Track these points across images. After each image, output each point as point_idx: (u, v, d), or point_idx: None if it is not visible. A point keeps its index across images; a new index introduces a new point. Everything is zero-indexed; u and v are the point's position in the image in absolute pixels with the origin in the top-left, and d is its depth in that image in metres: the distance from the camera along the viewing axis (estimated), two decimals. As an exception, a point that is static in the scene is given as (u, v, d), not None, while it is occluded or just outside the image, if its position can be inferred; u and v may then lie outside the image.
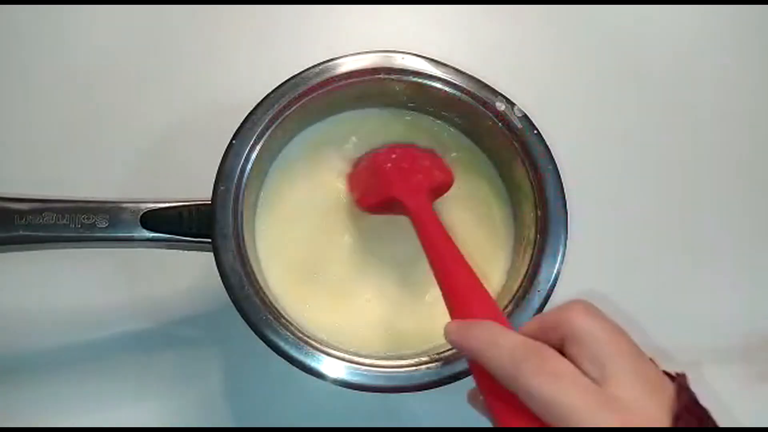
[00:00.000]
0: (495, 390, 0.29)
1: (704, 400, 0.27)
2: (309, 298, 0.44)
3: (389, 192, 0.42)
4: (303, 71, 0.43)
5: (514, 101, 0.43)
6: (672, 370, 0.31)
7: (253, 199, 0.45)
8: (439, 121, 0.48)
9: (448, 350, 0.40)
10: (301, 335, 0.40)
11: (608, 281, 0.52)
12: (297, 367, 0.39)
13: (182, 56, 0.55)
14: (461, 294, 0.35)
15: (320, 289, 0.45)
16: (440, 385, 0.40)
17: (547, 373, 0.27)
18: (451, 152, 0.48)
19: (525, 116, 0.43)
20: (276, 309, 0.40)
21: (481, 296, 0.34)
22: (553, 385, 0.27)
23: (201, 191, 0.42)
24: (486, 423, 0.32)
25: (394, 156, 0.44)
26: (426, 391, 0.39)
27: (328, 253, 0.46)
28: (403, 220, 0.43)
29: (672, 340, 0.51)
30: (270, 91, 0.43)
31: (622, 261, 0.53)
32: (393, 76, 0.44)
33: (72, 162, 0.53)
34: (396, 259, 0.46)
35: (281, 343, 0.39)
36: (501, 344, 0.29)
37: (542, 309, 0.41)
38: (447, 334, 0.33)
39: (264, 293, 0.40)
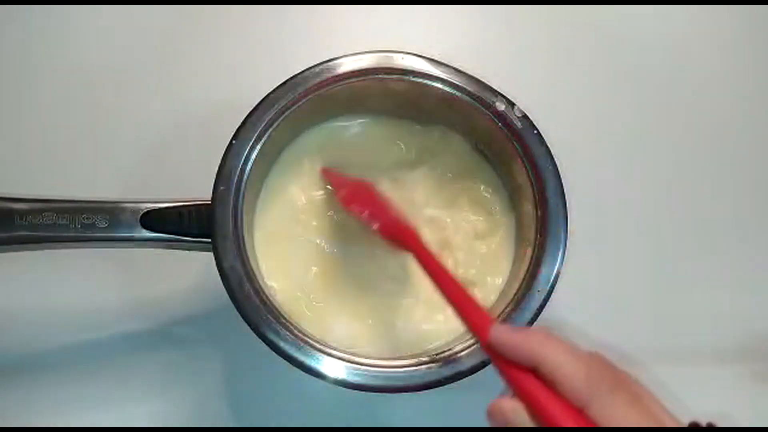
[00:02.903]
0: (542, 391, 0.29)
1: (704, 400, 0.28)
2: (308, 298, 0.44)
3: (399, 235, 0.41)
4: (303, 71, 0.43)
5: (514, 101, 0.43)
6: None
7: (254, 199, 0.45)
8: (440, 124, 0.48)
9: (447, 350, 0.40)
10: (300, 335, 0.40)
11: (608, 281, 0.52)
12: (297, 367, 0.39)
13: (182, 56, 0.55)
14: (471, 310, 0.35)
15: (319, 290, 0.45)
16: (440, 385, 0.40)
17: (624, 396, 0.29)
18: (452, 152, 0.48)
19: (525, 116, 0.43)
20: (276, 309, 0.40)
21: (482, 308, 0.35)
22: (633, 407, 0.29)
23: (201, 191, 0.42)
24: (487, 423, 0.32)
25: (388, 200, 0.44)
26: (426, 391, 0.39)
27: (327, 254, 0.46)
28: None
29: (672, 340, 0.51)
30: (270, 91, 0.43)
31: (622, 261, 0.53)
32: (393, 76, 0.44)
33: (72, 162, 0.53)
34: (395, 262, 0.46)
35: (281, 343, 0.39)
36: (575, 355, 0.30)
37: (542, 309, 0.41)
38: (499, 333, 0.31)
39: (264, 293, 0.40)
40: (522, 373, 0.30)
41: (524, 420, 0.30)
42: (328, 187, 0.46)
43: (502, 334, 0.31)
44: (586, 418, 0.28)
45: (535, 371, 0.30)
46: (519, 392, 0.30)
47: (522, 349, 0.30)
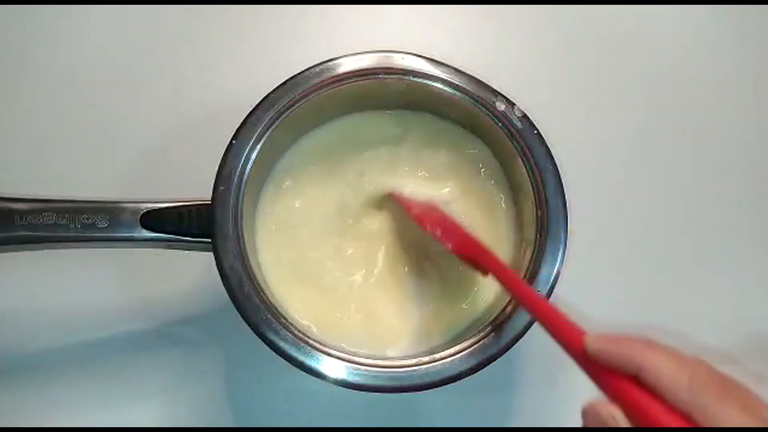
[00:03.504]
0: (641, 394, 0.29)
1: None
2: (307, 299, 0.44)
3: (478, 255, 0.41)
4: (303, 71, 0.43)
5: (514, 101, 0.43)
6: None
7: (254, 199, 0.45)
8: (442, 122, 0.48)
9: (447, 350, 0.40)
10: (301, 335, 0.40)
11: (608, 281, 0.52)
12: (297, 367, 0.39)
13: (182, 56, 0.55)
14: (560, 323, 0.34)
15: (318, 292, 0.45)
16: (440, 385, 0.40)
17: (732, 402, 0.28)
18: (454, 152, 0.48)
19: (525, 116, 0.43)
20: (276, 309, 0.40)
21: (569, 319, 0.34)
22: (741, 412, 0.28)
23: (201, 191, 0.42)
24: (487, 423, 0.32)
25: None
26: (426, 391, 0.39)
27: (326, 256, 0.46)
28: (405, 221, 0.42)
29: (672, 340, 0.51)
30: (270, 91, 0.43)
31: (622, 261, 0.53)
32: (393, 76, 0.44)
33: (72, 162, 0.53)
34: (393, 264, 0.46)
35: (281, 343, 0.39)
36: (679, 361, 0.29)
37: (542, 309, 0.41)
38: (594, 342, 0.31)
39: (264, 293, 0.40)
40: (623, 381, 0.30)
41: (623, 423, 0.30)
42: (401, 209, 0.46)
43: (599, 342, 0.31)
44: (692, 423, 0.28)
45: (636, 378, 0.29)
46: (620, 400, 0.30)
47: (622, 356, 0.30)
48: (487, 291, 0.45)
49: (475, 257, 0.41)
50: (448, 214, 0.45)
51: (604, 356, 0.30)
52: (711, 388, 0.28)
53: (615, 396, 0.30)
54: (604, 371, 0.30)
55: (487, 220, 0.47)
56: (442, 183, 0.47)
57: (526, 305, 0.37)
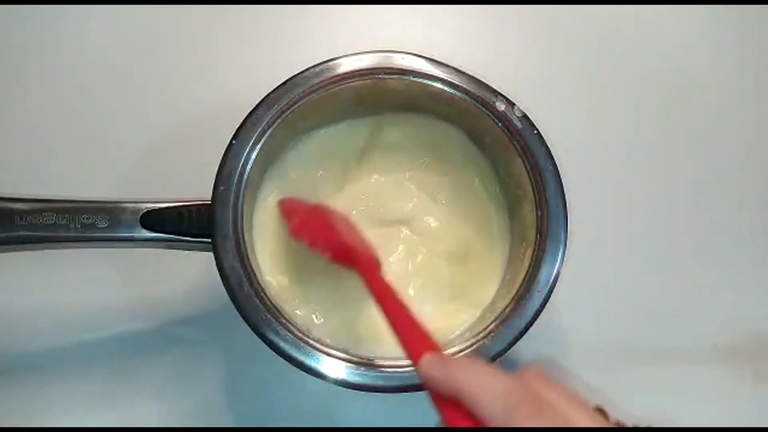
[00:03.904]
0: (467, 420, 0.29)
1: (704, 400, 0.27)
2: (307, 299, 0.44)
3: (342, 255, 0.40)
4: (303, 71, 0.43)
5: (514, 101, 0.43)
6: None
7: (254, 199, 0.45)
8: (440, 123, 0.48)
9: (447, 350, 0.40)
10: (300, 335, 0.40)
11: (608, 281, 0.52)
12: (297, 367, 0.39)
13: (182, 56, 0.55)
14: (411, 334, 0.34)
15: (316, 292, 0.45)
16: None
17: (546, 421, 0.28)
18: (451, 153, 0.48)
19: (525, 116, 0.43)
20: (276, 309, 0.40)
21: (427, 334, 0.34)
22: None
23: (201, 191, 0.42)
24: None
25: (344, 220, 0.43)
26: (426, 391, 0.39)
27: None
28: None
29: (672, 340, 0.51)
30: (270, 91, 0.42)
31: (622, 261, 0.53)
32: (393, 76, 0.44)
33: (72, 162, 0.53)
34: (391, 265, 0.46)
35: (281, 343, 0.39)
36: (494, 384, 0.29)
37: (542, 309, 0.41)
38: (424, 366, 0.31)
39: (264, 293, 0.40)
40: (448, 405, 0.30)
41: None
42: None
43: (430, 365, 0.31)
44: None
45: (459, 403, 0.29)
46: (445, 423, 0.30)
47: (444, 380, 0.30)
48: (487, 291, 0.45)
49: (343, 259, 0.39)
50: (332, 217, 0.43)
51: (431, 381, 0.30)
52: (524, 410, 0.28)
53: (444, 421, 0.30)
54: (436, 395, 0.30)
55: (479, 227, 0.47)
56: (436, 189, 0.48)
57: (382, 313, 0.35)
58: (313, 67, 0.43)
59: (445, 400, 0.30)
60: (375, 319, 0.43)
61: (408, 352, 0.33)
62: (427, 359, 0.31)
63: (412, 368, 0.39)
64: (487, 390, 0.29)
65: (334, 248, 0.40)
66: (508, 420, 0.28)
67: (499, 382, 0.29)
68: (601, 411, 0.34)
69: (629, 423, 0.30)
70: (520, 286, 0.42)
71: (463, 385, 0.29)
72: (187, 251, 0.42)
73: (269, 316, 0.40)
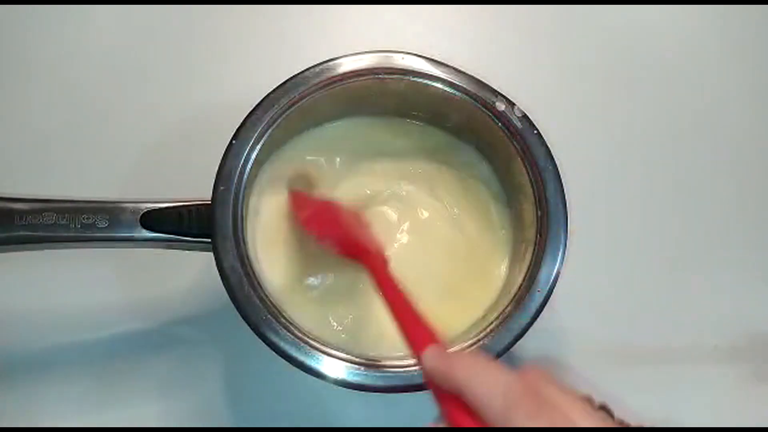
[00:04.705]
0: (468, 416, 0.29)
1: (704, 400, 0.27)
2: (306, 299, 0.44)
3: (351, 250, 0.41)
4: (303, 71, 0.43)
5: (514, 101, 0.43)
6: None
7: (254, 199, 0.45)
8: (440, 123, 0.48)
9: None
10: (301, 335, 0.40)
11: (608, 281, 0.52)
12: (297, 367, 0.39)
13: (182, 56, 0.55)
14: (416, 329, 0.34)
15: (316, 292, 0.45)
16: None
17: (544, 421, 0.27)
18: (451, 153, 0.48)
19: (525, 116, 0.43)
20: (276, 309, 0.40)
21: (432, 330, 0.33)
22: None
23: (201, 191, 0.42)
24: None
25: (355, 216, 0.44)
26: (426, 391, 0.39)
27: (324, 257, 0.46)
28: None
29: (672, 340, 0.51)
30: (270, 91, 0.43)
31: (622, 261, 0.53)
32: (393, 76, 0.44)
33: (72, 162, 0.53)
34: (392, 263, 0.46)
35: (281, 343, 0.39)
36: (495, 380, 0.29)
37: (542, 309, 0.41)
38: (427, 360, 0.31)
39: (264, 293, 0.40)
40: (449, 400, 0.29)
41: None
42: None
43: (433, 360, 0.31)
44: None
45: (460, 398, 0.29)
46: (446, 420, 0.30)
47: (445, 375, 0.30)
48: (487, 291, 0.45)
49: (352, 253, 0.40)
50: (342, 214, 0.43)
51: (433, 375, 0.30)
52: (523, 408, 0.28)
53: (444, 416, 0.30)
54: (438, 390, 0.30)
55: (479, 226, 0.47)
56: (435, 189, 0.48)
57: (389, 307, 0.35)
58: (313, 67, 0.43)
59: (447, 395, 0.30)
60: (375, 319, 0.44)
61: (411, 346, 0.33)
62: (429, 353, 0.31)
63: (412, 368, 0.40)
64: (487, 387, 0.28)
65: (344, 242, 0.41)
66: (507, 418, 0.27)
67: (500, 379, 0.29)
68: (605, 409, 0.34)
69: (631, 423, 0.30)
70: (520, 286, 0.42)
71: (464, 381, 0.29)
72: (187, 251, 0.42)
73: (269, 316, 0.39)
